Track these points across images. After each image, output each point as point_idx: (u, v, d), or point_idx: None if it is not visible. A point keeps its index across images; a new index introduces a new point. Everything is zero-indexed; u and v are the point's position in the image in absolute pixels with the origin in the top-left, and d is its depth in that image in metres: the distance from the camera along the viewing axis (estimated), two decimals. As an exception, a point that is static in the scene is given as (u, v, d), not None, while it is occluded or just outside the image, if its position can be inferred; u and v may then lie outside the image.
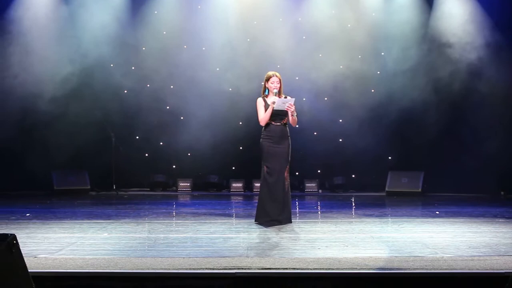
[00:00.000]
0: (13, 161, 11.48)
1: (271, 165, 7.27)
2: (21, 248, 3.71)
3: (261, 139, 7.41)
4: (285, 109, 7.19)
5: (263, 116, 7.32)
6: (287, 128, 7.42)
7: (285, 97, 7.28)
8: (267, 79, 7.39)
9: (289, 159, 7.37)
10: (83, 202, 10.35)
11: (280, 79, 7.37)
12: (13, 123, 11.50)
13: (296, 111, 7.26)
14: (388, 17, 12.36)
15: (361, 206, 9.83)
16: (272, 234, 6.64)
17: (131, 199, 10.81)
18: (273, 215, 7.23)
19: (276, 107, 7.16)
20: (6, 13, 11.69)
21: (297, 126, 7.52)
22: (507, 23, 11.71)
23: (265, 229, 6.99)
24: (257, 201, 7.53)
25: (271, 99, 7.28)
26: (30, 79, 11.58)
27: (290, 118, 7.29)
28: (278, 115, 7.29)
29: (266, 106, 7.31)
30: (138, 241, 6.14)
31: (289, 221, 7.37)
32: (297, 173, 12.19)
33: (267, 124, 7.34)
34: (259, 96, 7.50)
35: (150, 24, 12.42)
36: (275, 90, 7.34)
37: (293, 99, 7.20)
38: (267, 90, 7.42)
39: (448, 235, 6.58)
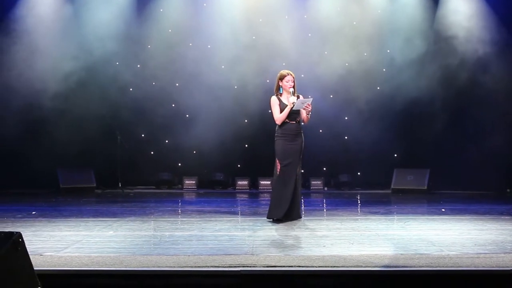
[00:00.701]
0: (18, 160, 11.50)
1: (286, 162, 7.31)
2: (26, 246, 3.72)
3: (276, 138, 7.41)
4: (303, 109, 7.19)
5: (280, 116, 7.30)
6: (301, 125, 7.42)
7: (298, 97, 7.26)
8: (281, 78, 7.36)
9: (301, 156, 7.39)
10: (88, 200, 10.36)
11: (294, 78, 7.35)
12: (18, 121, 11.53)
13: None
14: (393, 14, 12.34)
15: (367, 203, 9.81)
16: (278, 231, 6.63)
17: (137, 197, 10.82)
18: (285, 211, 7.27)
19: (295, 107, 7.17)
20: (11, 12, 11.73)
21: (302, 123, 7.51)
22: (512, 19, 11.69)
23: (270, 226, 6.99)
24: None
25: (291, 99, 7.25)
26: (34, 77, 11.61)
27: (305, 117, 7.31)
28: (293, 113, 7.30)
29: (281, 105, 7.31)
30: (143, 239, 6.14)
31: (298, 216, 7.48)
32: (302, 171, 12.14)
33: (283, 123, 7.35)
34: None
35: (155, 21, 12.44)
36: (292, 89, 7.32)
37: (311, 98, 7.20)
38: (280, 89, 7.41)
39: (454, 232, 6.55)
